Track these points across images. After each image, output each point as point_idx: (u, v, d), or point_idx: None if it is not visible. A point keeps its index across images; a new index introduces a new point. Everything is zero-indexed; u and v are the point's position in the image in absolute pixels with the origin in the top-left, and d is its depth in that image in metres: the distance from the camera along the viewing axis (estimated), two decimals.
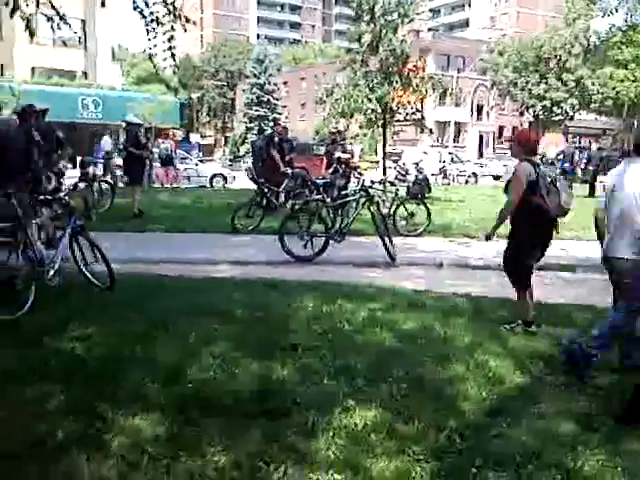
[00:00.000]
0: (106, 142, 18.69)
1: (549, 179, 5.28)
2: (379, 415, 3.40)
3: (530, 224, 5.36)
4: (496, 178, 31.16)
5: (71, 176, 9.85)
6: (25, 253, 5.28)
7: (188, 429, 3.23)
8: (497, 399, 3.71)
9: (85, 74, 34.21)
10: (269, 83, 56.61)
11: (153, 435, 3.14)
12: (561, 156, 21.67)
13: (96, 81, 33.94)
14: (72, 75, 32.78)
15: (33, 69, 32.03)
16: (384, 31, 15.78)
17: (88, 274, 6.07)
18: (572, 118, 45.41)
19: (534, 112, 44.66)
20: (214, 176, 22.55)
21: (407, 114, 19.00)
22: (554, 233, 5.57)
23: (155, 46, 6.99)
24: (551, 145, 41.17)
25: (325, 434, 3.20)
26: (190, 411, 3.41)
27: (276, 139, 12.61)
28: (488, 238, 5.68)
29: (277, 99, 57.35)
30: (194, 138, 43.25)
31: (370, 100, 16.73)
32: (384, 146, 19.04)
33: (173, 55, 7.12)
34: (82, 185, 9.90)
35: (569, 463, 2.97)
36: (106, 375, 3.83)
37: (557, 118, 44.98)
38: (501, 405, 3.63)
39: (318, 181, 9.75)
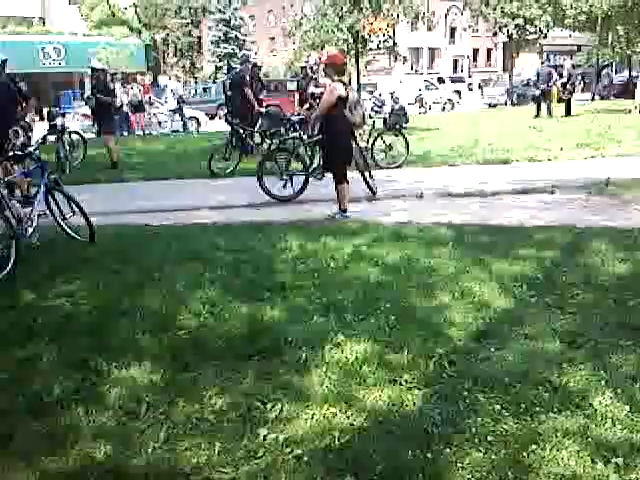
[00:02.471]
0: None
1: (355, 99, 7.00)
2: (369, 347, 3.46)
3: (339, 130, 6.84)
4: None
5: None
6: (1, 212, 5.18)
7: (183, 375, 3.27)
8: (483, 324, 3.80)
9: (42, 20, 32.80)
10: (235, 18, 54.66)
11: (149, 383, 3.19)
12: (535, 77, 21.45)
13: (54, 27, 32.57)
14: (29, 22, 31.42)
15: None
16: None
17: (67, 228, 6.01)
18: (546, 36, 44.64)
19: (508, 32, 43.81)
20: (187, 119, 22.04)
21: (379, 42, 18.60)
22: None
23: None
24: (527, 66, 40.74)
25: (318, 369, 3.26)
26: (184, 357, 3.45)
27: (247, 77, 12.29)
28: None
29: (245, 35, 55.58)
30: (162, 81, 42.01)
31: (341, 30, 16.33)
32: (358, 77, 18.68)
33: None
34: (51, 138, 9.67)
35: (555, 380, 3.07)
36: (96, 328, 3.84)
37: (531, 37, 44.20)
38: (487, 329, 3.71)
39: (293, 118, 9.57)
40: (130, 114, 19.14)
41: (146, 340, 3.68)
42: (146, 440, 2.71)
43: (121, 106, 17.46)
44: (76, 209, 5.90)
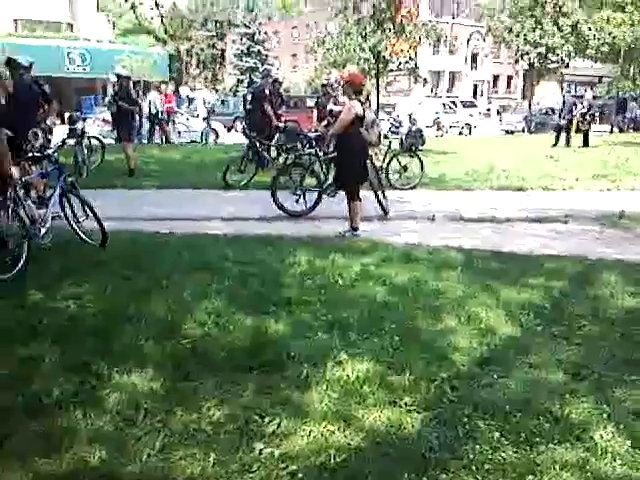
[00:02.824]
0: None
1: (372, 118, 7.12)
2: (371, 367, 3.45)
3: (354, 148, 6.90)
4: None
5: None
6: (16, 212, 5.24)
7: (183, 384, 3.27)
8: (488, 350, 3.77)
9: (70, 26, 33.33)
10: (259, 33, 55.26)
11: (149, 390, 3.19)
12: (561, 106, 21.47)
13: (81, 33, 33.08)
14: (57, 27, 31.95)
15: (16, 21, 31.15)
16: None
17: (80, 232, 6.06)
18: (567, 65, 44.69)
19: (529, 60, 43.91)
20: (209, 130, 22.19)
21: (400, 63, 18.70)
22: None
23: None
24: (548, 94, 40.69)
25: (319, 386, 3.25)
26: (185, 366, 3.45)
27: (267, 92, 12.40)
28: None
29: (268, 49, 56.08)
30: (184, 91, 42.48)
31: (363, 49, 16.44)
32: (377, 97, 18.77)
33: (157, 4, 6.92)
34: (71, 141, 9.78)
35: (557, 411, 3.04)
36: (101, 332, 3.86)
37: (552, 66, 44.26)
38: (492, 356, 3.68)
39: (310, 134, 9.62)
40: (161, 122, 19.14)
41: (149, 347, 3.69)
42: (141, 447, 2.70)
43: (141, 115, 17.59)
44: (90, 213, 5.95)
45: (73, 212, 6.03)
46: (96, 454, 2.63)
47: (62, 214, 5.99)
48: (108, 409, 3.00)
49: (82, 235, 6.06)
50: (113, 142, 13.63)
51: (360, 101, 6.90)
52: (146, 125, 18.94)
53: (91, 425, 2.86)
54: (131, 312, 4.22)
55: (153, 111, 18.52)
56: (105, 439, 2.75)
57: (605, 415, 3.01)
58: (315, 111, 12.14)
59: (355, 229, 6.96)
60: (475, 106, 36.97)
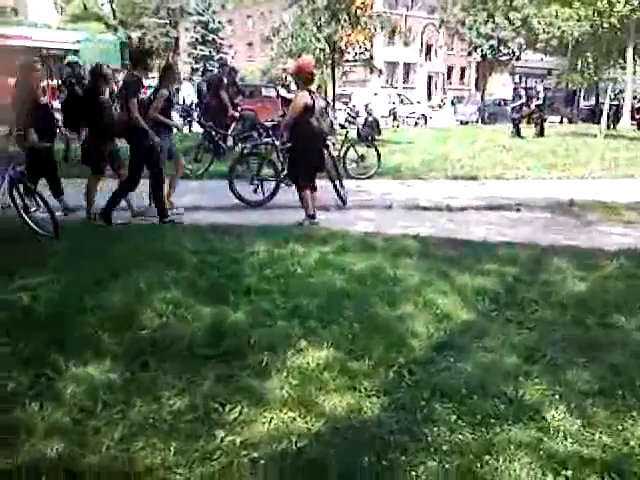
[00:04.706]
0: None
1: (321, 107, 6.81)
2: (331, 354, 3.48)
3: (304, 138, 6.78)
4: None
5: None
6: None
7: (142, 375, 3.24)
8: (444, 335, 3.85)
9: (15, 11, 32.18)
10: (213, 21, 54.52)
11: (107, 382, 3.14)
12: (517, 98, 22.01)
13: (28, 19, 31.98)
14: (1, 12, 30.80)
15: None
16: None
17: (30, 222, 5.90)
18: (519, 58, 45.68)
19: (482, 52, 44.69)
20: None
21: (356, 54, 18.76)
22: None
23: None
24: (498, 86, 41.48)
25: (279, 374, 3.26)
26: (144, 357, 3.41)
27: (224, 80, 12.27)
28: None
29: (222, 38, 55.45)
30: None
31: (318, 39, 16.40)
32: (333, 87, 18.79)
33: None
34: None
35: (512, 393, 3.13)
36: (55, 324, 3.77)
37: (504, 58, 45.16)
38: (448, 340, 3.76)
39: (267, 124, 9.58)
40: None
41: (106, 338, 3.63)
42: (100, 439, 2.67)
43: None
44: (41, 203, 5.80)
45: (24, 202, 5.86)
46: (54, 447, 2.58)
47: (12, 204, 5.82)
48: (65, 401, 2.94)
49: (33, 225, 5.90)
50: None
51: (310, 90, 6.85)
52: None
53: (48, 418, 2.80)
54: (86, 303, 4.13)
55: None
56: (63, 432, 2.70)
57: (557, 396, 3.11)
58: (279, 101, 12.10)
59: (312, 217, 6.97)
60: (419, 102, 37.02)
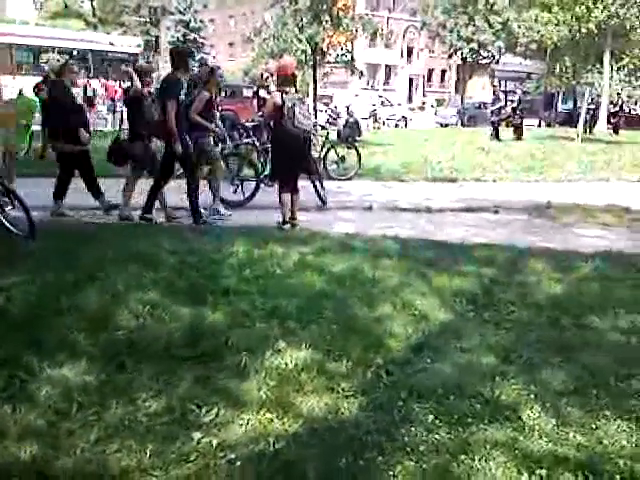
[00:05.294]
0: None
1: (290, 104, 6.54)
2: (309, 355, 3.48)
3: (282, 139, 6.66)
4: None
5: None
6: None
7: (118, 376, 3.20)
8: (422, 336, 3.86)
9: None
10: (195, 20, 54.21)
11: (82, 383, 3.10)
12: (496, 102, 22.27)
13: (5, 15, 31.51)
14: None
15: None
16: None
17: (5, 222, 5.81)
18: (498, 62, 46.15)
19: (462, 55, 45.07)
20: None
21: (337, 55, 18.80)
22: None
23: None
24: (478, 89, 41.79)
25: (257, 375, 3.25)
26: (120, 358, 3.37)
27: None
28: None
29: (204, 38, 55.15)
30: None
31: (300, 40, 16.41)
32: (315, 88, 18.81)
33: None
34: None
35: (488, 393, 3.15)
36: (30, 325, 3.72)
37: (484, 61, 45.59)
38: (426, 341, 3.78)
39: (247, 124, 9.56)
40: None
41: (82, 339, 3.59)
42: (75, 441, 2.63)
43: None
44: (17, 203, 5.72)
45: None
46: (27, 449, 2.54)
47: None
48: (39, 403, 2.90)
49: (8, 225, 5.81)
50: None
51: (285, 91, 6.70)
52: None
53: (21, 420, 2.76)
54: (62, 304, 4.08)
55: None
56: (36, 434, 2.66)
57: (532, 396, 3.14)
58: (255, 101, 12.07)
59: (281, 224, 6.79)
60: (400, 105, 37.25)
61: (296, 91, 6.93)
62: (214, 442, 2.67)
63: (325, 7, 16.70)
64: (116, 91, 21.81)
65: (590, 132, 25.13)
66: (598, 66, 26.70)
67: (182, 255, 5.33)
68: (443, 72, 58.83)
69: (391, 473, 2.51)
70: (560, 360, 3.55)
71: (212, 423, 2.82)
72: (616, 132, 26.24)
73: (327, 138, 10.79)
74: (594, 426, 2.89)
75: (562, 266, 5.48)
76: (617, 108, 29.18)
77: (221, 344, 3.57)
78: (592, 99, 27.19)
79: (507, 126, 22.86)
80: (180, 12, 54.29)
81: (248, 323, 3.92)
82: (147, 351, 3.46)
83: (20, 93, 11.05)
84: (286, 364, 3.37)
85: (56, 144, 7.05)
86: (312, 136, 7.37)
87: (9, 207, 5.79)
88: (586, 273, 5.29)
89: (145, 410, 2.90)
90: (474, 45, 43.46)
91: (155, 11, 63.70)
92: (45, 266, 4.88)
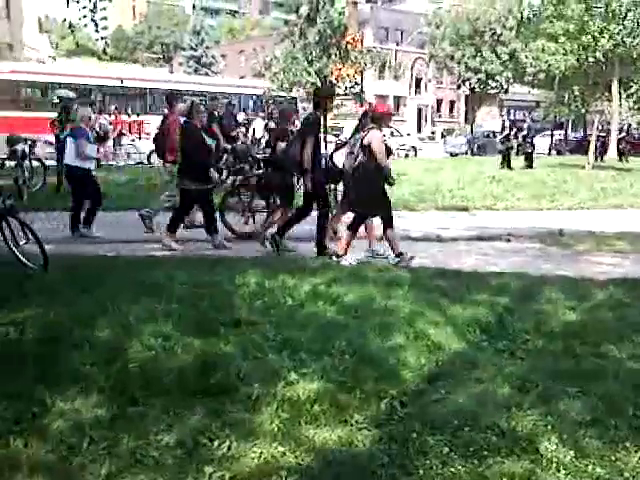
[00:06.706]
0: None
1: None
2: (322, 387, 3.44)
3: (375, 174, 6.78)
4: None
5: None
6: None
7: (130, 410, 3.18)
8: (436, 366, 3.82)
9: (10, 46, 32.47)
10: (206, 56, 55.34)
11: (94, 417, 3.09)
12: (506, 131, 22.44)
13: (23, 54, 32.29)
14: None
15: None
16: (321, 2, 15.69)
17: (20, 255, 5.87)
18: (507, 91, 46.47)
19: (470, 85, 45.46)
20: (152, 152, 21.92)
21: (347, 87, 19.04)
22: None
23: (85, 17, 6.71)
24: (488, 118, 42.02)
25: (269, 407, 3.22)
26: (132, 391, 3.35)
27: (215, 113, 12.37)
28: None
29: (215, 72, 56.16)
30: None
31: (309, 73, 16.65)
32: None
33: (97, 25, 6.83)
34: (11, 163, 9.51)
35: (504, 424, 3.09)
36: (42, 359, 3.72)
37: (492, 91, 45.93)
38: (440, 371, 3.73)
39: (258, 156, 9.64)
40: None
41: (94, 372, 3.58)
42: (86, 475, 2.61)
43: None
44: (31, 237, 5.78)
45: (13, 235, 5.84)
46: None
47: (1, 237, 5.79)
48: (51, 437, 2.89)
49: (22, 259, 5.87)
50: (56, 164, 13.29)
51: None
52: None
53: (33, 454, 2.74)
54: (75, 337, 4.08)
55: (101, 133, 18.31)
56: (48, 468, 2.64)
57: (550, 427, 3.08)
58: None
59: (398, 255, 6.83)
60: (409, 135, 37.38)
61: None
62: (226, 476, 2.64)
63: (334, 41, 16.98)
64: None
65: (601, 160, 25.11)
66: (607, 94, 26.79)
67: (194, 286, 5.31)
68: (452, 102, 59.34)
69: None
70: (577, 390, 3.49)
71: (224, 456, 2.79)
72: (624, 158, 26.09)
73: None
74: (614, 458, 2.83)
75: (577, 294, 5.42)
76: (623, 134, 29.17)
77: (233, 376, 3.54)
78: (602, 127, 27.27)
79: (517, 154, 22.93)
80: (192, 48, 55.45)
81: (260, 355, 3.89)
82: (159, 384, 3.44)
83: None
84: (298, 396, 3.34)
85: (186, 183, 7.32)
86: None
87: (23, 242, 5.85)
88: (602, 300, 5.22)
89: (156, 444, 2.88)
90: (482, 75, 43.85)
91: (167, 47, 65.07)
92: (58, 299, 4.89)
